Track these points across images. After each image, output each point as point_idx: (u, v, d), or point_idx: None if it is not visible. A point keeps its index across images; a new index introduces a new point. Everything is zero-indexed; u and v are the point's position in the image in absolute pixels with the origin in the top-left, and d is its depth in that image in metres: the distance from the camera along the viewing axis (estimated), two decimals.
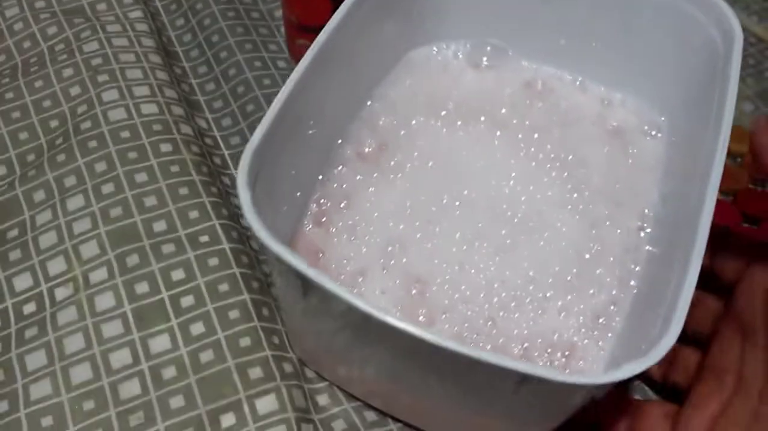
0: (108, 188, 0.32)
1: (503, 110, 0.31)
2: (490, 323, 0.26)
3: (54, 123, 0.34)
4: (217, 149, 0.36)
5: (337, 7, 0.33)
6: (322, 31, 0.26)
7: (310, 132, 0.28)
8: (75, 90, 0.35)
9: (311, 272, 0.20)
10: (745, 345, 0.25)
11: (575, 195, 0.30)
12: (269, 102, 0.37)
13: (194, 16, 0.40)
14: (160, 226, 0.31)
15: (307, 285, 0.21)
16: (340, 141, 0.30)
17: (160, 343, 0.28)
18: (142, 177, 0.32)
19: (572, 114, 0.32)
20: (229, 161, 0.36)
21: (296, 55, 0.38)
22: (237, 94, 0.38)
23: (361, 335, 0.22)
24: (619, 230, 0.29)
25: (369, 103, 0.31)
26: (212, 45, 0.39)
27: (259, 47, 0.39)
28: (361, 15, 0.28)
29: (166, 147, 0.33)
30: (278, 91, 0.38)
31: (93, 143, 0.33)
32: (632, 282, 0.27)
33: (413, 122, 0.31)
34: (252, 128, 0.36)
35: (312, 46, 0.26)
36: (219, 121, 0.37)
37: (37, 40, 0.37)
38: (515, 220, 0.29)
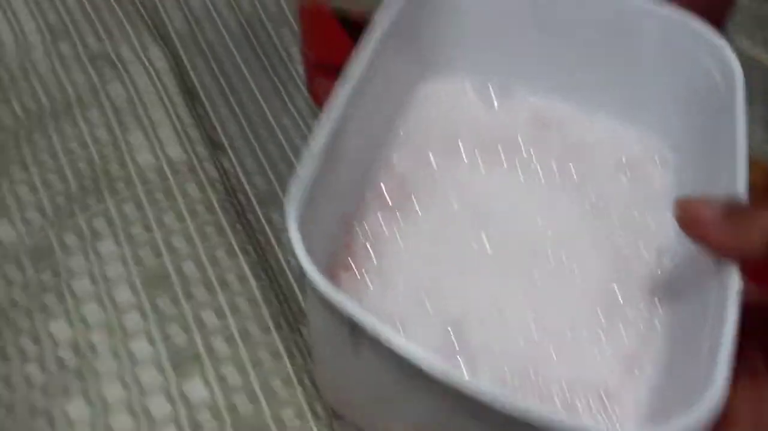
0: (137, 230, 0.32)
1: (520, 145, 0.31)
2: (529, 367, 0.26)
3: (83, 167, 0.34)
4: (241, 189, 0.36)
5: (355, 45, 0.33)
6: (349, 74, 0.26)
7: (337, 176, 0.27)
8: (102, 134, 0.35)
9: (368, 322, 0.20)
10: None
11: (598, 230, 0.30)
12: (288, 141, 0.38)
13: (214, 58, 0.40)
14: (189, 267, 0.31)
15: (357, 335, 0.20)
16: (363, 183, 0.30)
17: (195, 389, 0.28)
18: (169, 219, 0.32)
19: (585, 147, 0.32)
20: (254, 201, 0.35)
21: (315, 94, 0.38)
22: (258, 136, 0.38)
23: (407, 385, 0.21)
24: (642, 265, 0.28)
25: (386, 141, 0.31)
26: (233, 87, 0.39)
27: (277, 87, 0.39)
28: (381, 53, 0.28)
29: (192, 189, 0.33)
30: (298, 131, 0.39)
31: (121, 186, 0.33)
32: (660, 320, 0.27)
33: (432, 160, 0.31)
34: (274, 169, 0.37)
35: (341, 88, 0.26)
36: (242, 161, 0.37)
37: (64, 86, 0.37)
38: (544, 258, 0.29)
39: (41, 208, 0.33)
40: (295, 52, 0.41)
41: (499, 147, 0.32)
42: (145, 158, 0.34)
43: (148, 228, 0.32)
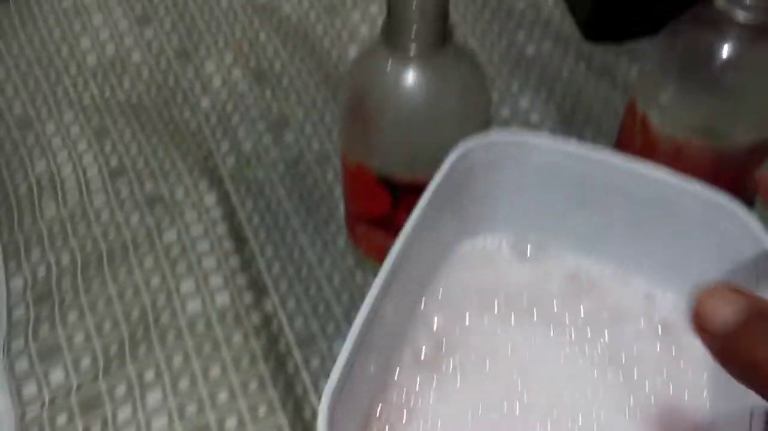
0: (184, 383, 0.33)
1: (554, 306, 0.32)
2: None
3: (135, 314, 0.36)
4: (282, 334, 0.37)
5: (396, 199, 0.34)
6: (393, 253, 0.27)
7: (375, 341, 0.28)
8: (155, 281, 0.37)
9: None
10: None
11: (631, 399, 0.30)
12: (329, 281, 0.39)
13: (261, 197, 0.42)
14: (230, 423, 0.32)
15: None
16: (398, 345, 0.31)
17: None
18: (215, 372, 0.33)
19: (619, 309, 0.32)
20: (294, 346, 0.37)
21: (356, 239, 0.39)
22: (301, 276, 0.39)
23: None
24: None
25: (423, 301, 0.32)
26: (278, 226, 0.41)
27: (319, 226, 0.41)
28: (423, 220, 0.29)
29: (237, 338, 0.35)
30: (338, 271, 0.40)
31: (171, 336, 0.35)
32: None
33: (467, 319, 0.32)
34: (314, 310, 0.38)
35: (385, 266, 0.27)
36: (285, 302, 0.38)
37: (120, 229, 0.40)
38: (573, 424, 0.29)
39: (94, 355, 0.35)
40: (338, 190, 0.43)
41: (535, 306, 0.32)
42: (194, 306, 0.36)
43: (194, 380, 0.33)
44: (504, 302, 0.32)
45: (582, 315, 0.32)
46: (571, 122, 0.45)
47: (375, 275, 0.40)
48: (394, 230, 0.36)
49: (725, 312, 0.19)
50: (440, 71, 0.31)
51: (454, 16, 0.50)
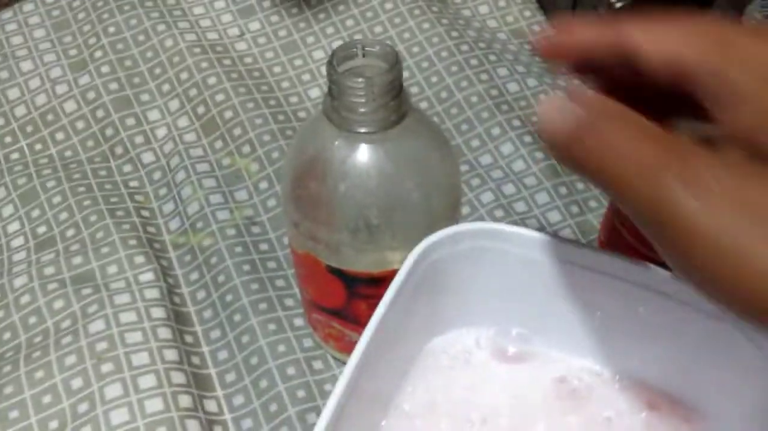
0: None
1: (538, 418, 0.27)
2: None
3: (53, 425, 0.30)
4: None
5: (350, 290, 0.29)
6: (349, 369, 0.22)
7: None
8: (77, 383, 0.31)
9: None
10: None
11: None
12: (282, 376, 0.33)
13: (209, 271, 0.37)
14: None
15: None
16: None
17: None
18: None
19: (617, 426, 0.27)
20: None
21: (312, 323, 0.34)
22: (250, 366, 0.34)
23: None
24: None
25: (384, 423, 0.27)
26: (225, 305, 0.35)
27: (274, 304, 0.35)
28: (385, 324, 0.24)
29: None
30: (293, 362, 0.34)
31: None
32: None
33: None
34: (265, 409, 0.32)
35: (339, 384, 0.22)
36: (230, 399, 0.33)
37: (42, 316, 0.34)
38: None
39: None
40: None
41: (512, 423, 0.27)
42: (119, 416, 0.30)
43: None
44: (479, 423, 0.27)
45: (571, 429, 0.26)
46: (558, 171, 0.40)
47: (336, 363, 0.35)
48: (351, 320, 0.31)
49: (564, 117, 0.19)
50: (395, 149, 0.26)
51: (420, 55, 0.44)
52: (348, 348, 0.31)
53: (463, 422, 0.27)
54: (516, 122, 0.42)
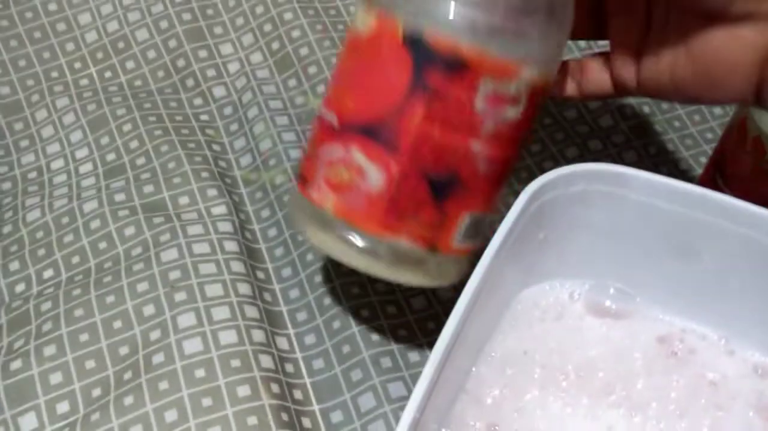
0: None
1: (638, 385, 0.25)
2: None
3: (124, 350, 0.30)
4: (299, 378, 0.30)
5: (412, 86, 0.23)
6: (456, 315, 0.21)
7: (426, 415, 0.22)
8: (149, 310, 0.30)
9: None
10: None
11: None
12: (356, 316, 0.32)
13: (281, 208, 0.35)
14: None
15: None
16: (444, 420, 0.24)
17: None
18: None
19: (722, 390, 0.25)
20: (312, 394, 0.30)
21: (306, 174, 0.27)
22: (323, 306, 0.32)
23: None
24: None
25: (474, 369, 0.25)
26: (298, 243, 0.34)
27: None
28: (496, 261, 0.22)
29: (243, 391, 0.28)
30: (366, 304, 0.33)
31: (164, 385, 0.28)
32: None
33: (527, 396, 0.25)
34: (337, 349, 0.31)
35: (447, 329, 0.21)
36: (302, 338, 0.32)
37: (113, 242, 0.33)
38: None
39: (73, 400, 0.29)
40: None
41: (614, 383, 0.25)
42: (194, 345, 0.29)
43: None
44: (575, 375, 0.25)
45: (673, 396, 0.25)
46: (646, 129, 0.38)
47: (409, 310, 0.33)
48: (386, 141, 0.24)
49: None
50: None
51: None
52: (351, 207, 0.24)
53: (556, 373, 0.25)
54: None
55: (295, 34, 0.41)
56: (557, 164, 0.37)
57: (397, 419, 0.29)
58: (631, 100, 0.39)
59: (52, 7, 0.42)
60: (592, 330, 0.26)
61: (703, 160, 0.37)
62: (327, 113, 0.25)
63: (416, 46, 0.23)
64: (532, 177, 0.26)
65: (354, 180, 0.24)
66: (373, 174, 0.24)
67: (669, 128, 0.39)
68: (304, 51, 0.40)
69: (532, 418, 0.24)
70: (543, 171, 0.29)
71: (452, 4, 0.22)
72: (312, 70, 0.40)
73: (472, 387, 0.25)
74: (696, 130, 0.39)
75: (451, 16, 0.22)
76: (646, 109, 0.39)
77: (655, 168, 0.37)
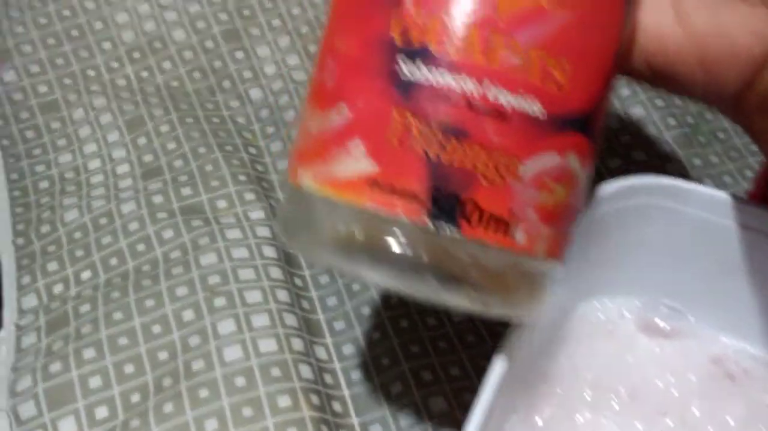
0: None
1: (693, 408, 0.24)
2: None
3: (163, 356, 0.29)
4: (337, 390, 0.30)
5: None
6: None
7: None
8: (188, 315, 0.30)
9: None
10: None
11: None
12: (395, 329, 0.31)
13: None
14: None
15: None
16: None
17: None
18: None
19: None
20: (351, 407, 0.29)
21: (299, 152, 0.23)
22: (361, 315, 0.32)
23: None
24: None
25: (530, 388, 0.24)
26: None
27: None
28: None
29: (284, 401, 0.28)
30: (404, 315, 0.32)
31: (204, 392, 0.28)
32: None
33: (578, 417, 0.24)
34: (376, 361, 0.30)
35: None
36: (339, 348, 0.31)
37: (151, 244, 0.33)
38: None
39: (112, 406, 0.28)
40: None
41: (668, 405, 0.25)
42: (233, 353, 0.29)
43: None
44: (627, 396, 0.24)
45: (730, 420, 0.24)
46: (691, 140, 0.37)
47: (448, 321, 0.32)
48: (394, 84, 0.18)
49: None
50: None
51: None
52: (334, 180, 0.19)
53: (608, 393, 0.25)
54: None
55: None
56: (601, 176, 0.36)
57: None
58: (675, 111, 0.38)
59: (90, 5, 0.42)
60: (643, 350, 0.26)
61: (748, 173, 0.36)
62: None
63: None
64: None
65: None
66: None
67: (714, 140, 0.38)
68: None
69: None
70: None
71: None
72: None
73: (522, 407, 0.24)
74: (741, 142, 0.38)
75: None
76: (689, 119, 0.38)
77: (699, 181, 0.36)
